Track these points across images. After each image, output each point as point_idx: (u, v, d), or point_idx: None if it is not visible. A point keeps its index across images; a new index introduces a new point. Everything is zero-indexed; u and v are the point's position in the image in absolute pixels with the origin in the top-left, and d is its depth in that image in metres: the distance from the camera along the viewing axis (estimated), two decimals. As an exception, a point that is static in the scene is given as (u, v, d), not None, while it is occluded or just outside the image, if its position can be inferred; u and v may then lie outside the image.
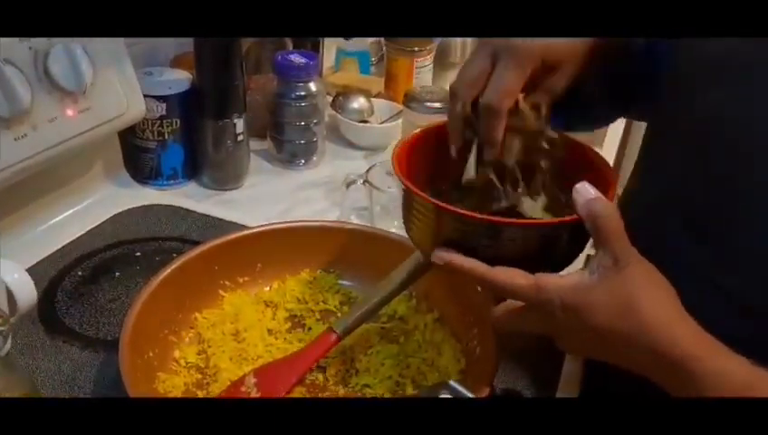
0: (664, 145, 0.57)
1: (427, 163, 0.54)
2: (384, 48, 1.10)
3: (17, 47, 0.65)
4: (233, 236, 0.66)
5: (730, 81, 0.50)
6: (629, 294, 0.43)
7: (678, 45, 0.55)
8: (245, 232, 0.67)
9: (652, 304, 0.43)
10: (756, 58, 0.49)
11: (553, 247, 0.48)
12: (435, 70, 1.31)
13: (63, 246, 0.74)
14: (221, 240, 0.65)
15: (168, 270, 0.59)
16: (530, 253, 0.47)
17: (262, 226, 0.68)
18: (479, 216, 0.47)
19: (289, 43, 1.00)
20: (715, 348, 0.43)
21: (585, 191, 0.45)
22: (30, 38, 0.66)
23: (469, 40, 1.66)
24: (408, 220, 0.52)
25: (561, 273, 0.46)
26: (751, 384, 0.41)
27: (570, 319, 0.44)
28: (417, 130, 0.56)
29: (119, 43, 0.76)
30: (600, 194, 0.45)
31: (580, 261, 0.53)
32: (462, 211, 0.47)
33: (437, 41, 1.35)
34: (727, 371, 0.42)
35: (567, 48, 0.51)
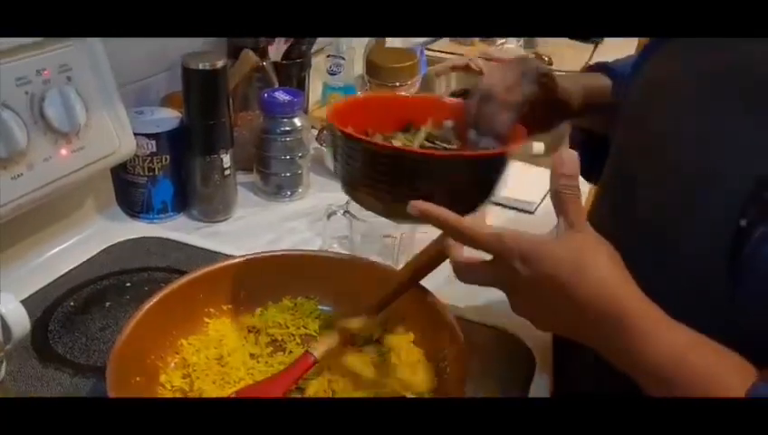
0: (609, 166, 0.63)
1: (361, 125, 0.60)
2: (367, 84, 1.15)
3: (15, 92, 0.69)
4: (216, 266, 0.69)
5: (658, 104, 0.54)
6: (582, 253, 0.46)
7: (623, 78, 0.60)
8: (228, 262, 0.70)
9: (601, 264, 0.46)
10: (689, 84, 0.53)
11: (475, 180, 0.56)
12: (420, 102, 1.35)
13: (58, 278, 0.78)
14: (205, 270, 0.68)
15: (154, 299, 0.63)
16: (457, 186, 0.55)
17: (244, 255, 0.71)
18: (419, 150, 0.57)
19: (275, 80, 1.05)
20: (656, 310, 0.45)
21: (567, 163, 0.48)
22: (28, 84, 0.71)
23: (453, 75, 1.72)
24: (357, 181, 0.58)
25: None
26: (684, 354, 0.43)
27: (526, 270, 0.47)
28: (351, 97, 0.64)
29: (111, 85, 0.80)
30: (575, 172, 0.48)
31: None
32: (407, 148, 0.57)
33: (419, 76, 1.41)
34: (665, 334, 0.44)
35: None
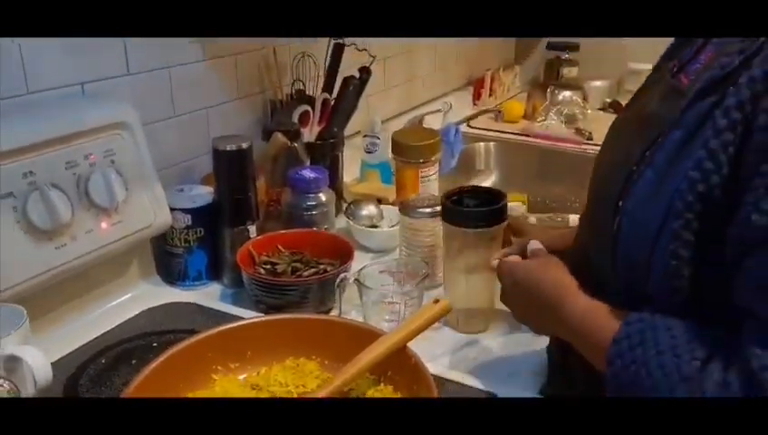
0: None
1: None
2: (394, 161, 1.22)
3: (64, 174, 0.81)
4: (225, 327, 0.76)
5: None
6: (540, 265, 0.74)
7: None
8: (237, 323, 0.77)
9: (551, 271, 0.71)
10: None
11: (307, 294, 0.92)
12: (459, 178, 1.42)
13: (97, 337, 0.87)
14: (214, 331, 0.75)
15: (165, 356, 0.69)
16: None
17: (251, 318, 0.78)
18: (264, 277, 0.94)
19: (306, 159, 1.14)
20: (581, 294, 0.66)
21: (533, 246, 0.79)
22: (76, 166, 0.82)
23: (492, 149, 1.78)
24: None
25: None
26: (583, 316, 0.64)
27: (509, 279, 0.76)
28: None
29: (149, 168, 0.91)
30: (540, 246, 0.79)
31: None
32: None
33: (453, 153, 1.47)
34: (573, 304, 0.65)
35: None
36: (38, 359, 0.65)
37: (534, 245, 0.79)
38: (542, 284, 0.70)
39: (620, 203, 0.62)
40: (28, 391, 0.65)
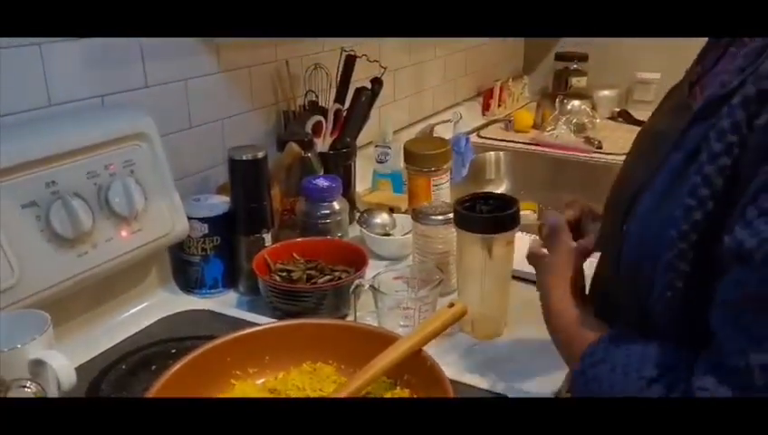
0: None
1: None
2: (406, 170, 1.24)
3: (85, 183, 0.83)
4: (243, 332, 0.77)
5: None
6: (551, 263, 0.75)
7: None
8: (255, 329, 0.78)
9: (552, 270, 0.74)
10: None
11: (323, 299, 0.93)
12: (470, 187, 1.43)
13: (118, 343, 0.88)
14: (233, 335, 0.76)
15: (184, 361, 0.71)
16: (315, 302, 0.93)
17: (269, 323, 0.79)
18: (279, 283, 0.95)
19: (319, 168, 1.15)
20: (568, 295, 0.69)
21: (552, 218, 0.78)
22: (97, 176, 0.84)
23: (502, 158, 1.79)
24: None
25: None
26: (572, 327, 0.66)
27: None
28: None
29: (167, 177, 0.93)
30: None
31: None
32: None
33: (464, 162, 1.48)
34: (563, 314, 0.68)
35: None
36: (62, 363, 0.66)
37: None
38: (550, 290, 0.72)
39: (624, 227, 0.60)
40: (53, 394, 0.67)
